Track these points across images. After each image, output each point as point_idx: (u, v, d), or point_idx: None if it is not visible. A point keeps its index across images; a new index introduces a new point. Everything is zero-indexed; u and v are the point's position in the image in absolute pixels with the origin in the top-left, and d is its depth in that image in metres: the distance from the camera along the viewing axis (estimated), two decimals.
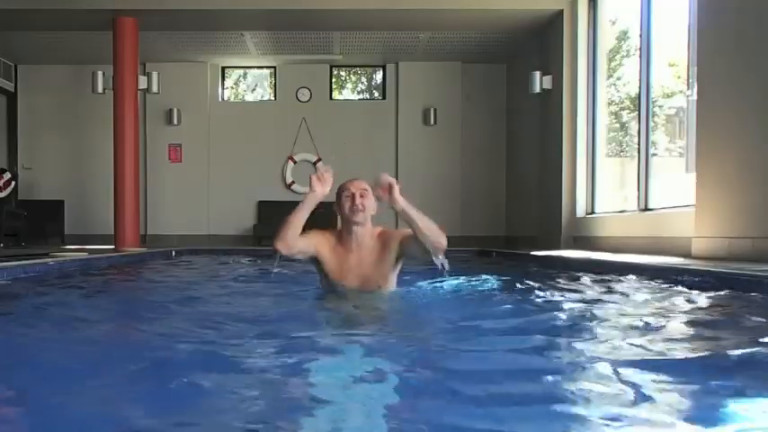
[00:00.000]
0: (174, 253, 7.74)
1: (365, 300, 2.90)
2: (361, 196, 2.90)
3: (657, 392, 1.45)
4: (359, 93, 12.26)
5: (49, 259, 5.11)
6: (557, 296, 3.26)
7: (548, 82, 8.86)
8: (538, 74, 8.91)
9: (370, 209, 2.94)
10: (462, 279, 3.91)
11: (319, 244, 2.98)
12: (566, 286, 3.75)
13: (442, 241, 2.75)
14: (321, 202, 2.87)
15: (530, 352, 1.93)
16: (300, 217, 2.83)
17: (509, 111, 11.24)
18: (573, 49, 8.37)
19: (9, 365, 1.77)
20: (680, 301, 3.02)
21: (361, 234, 2.96)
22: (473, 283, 3.86)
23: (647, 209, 6.68)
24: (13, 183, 10.00)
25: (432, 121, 11.18)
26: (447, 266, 2.80)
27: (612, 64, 8.66)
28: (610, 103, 8.61)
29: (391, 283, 3.05)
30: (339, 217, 3.00)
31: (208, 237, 11.21)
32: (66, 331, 2.37)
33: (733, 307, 2.77)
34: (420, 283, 3.53)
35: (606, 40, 8.43)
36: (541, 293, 3.32)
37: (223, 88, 11.71)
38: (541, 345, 2.03)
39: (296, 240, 2.83)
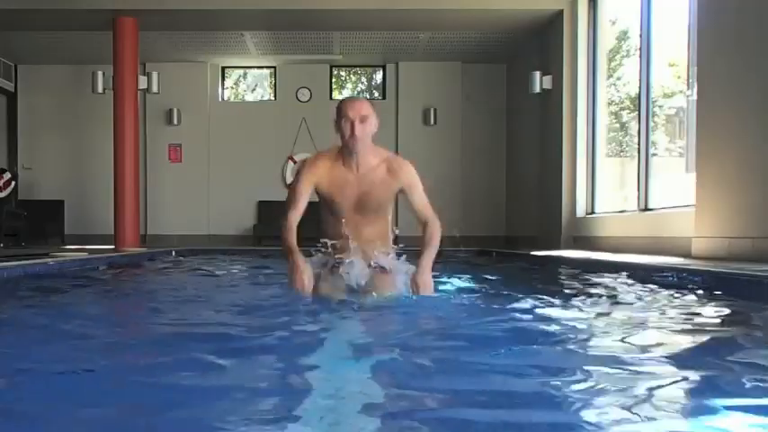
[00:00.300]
0: (174, 253, 7.74)
1: (365, 302, 2.88)
2: (361, 122, 2.86)
3: (657, 394, 1.45)
4: (359, 93, 12.26)
5: (49, 259, 5.10)
6: (556, 297, 3.25)
7: (548, 82, 8.86)
8: (538, 74, 8.91)
9: (371, 132, 2.91)
10: (461, 280, 3.91)
11: (315, 176, 2.96)
12: (565, 287, 3.75)
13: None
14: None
15: (527, 353, 1.93)
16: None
17: (509, 111, 11.24)
18: (573, 49, 8.37)
19: (8, 366, 1.77)
20: (680, 302, 3.02)
21: (362, 155, 2.93)
22: (472, 283, 3.86)
23: (647, 209, 6.68)
24: (13, 183, 10.01)
25: (432, 121, 11.18)
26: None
27: (612, 64, 8.66)
28: (610, 103, 8.61)
29: (389, 214, 3.04)
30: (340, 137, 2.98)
31: (208, 237, 11.21)
32: (63, 332, 2.37)
33: (733, 307, 2.76)
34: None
35: (606, 40, 8.42)
36: (540, 295, 3.32)
37: (223, 88, 11.71)
38: (540, 346, 2.03)
39: (297, 221, 2.90)
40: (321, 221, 3.08)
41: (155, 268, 5.97)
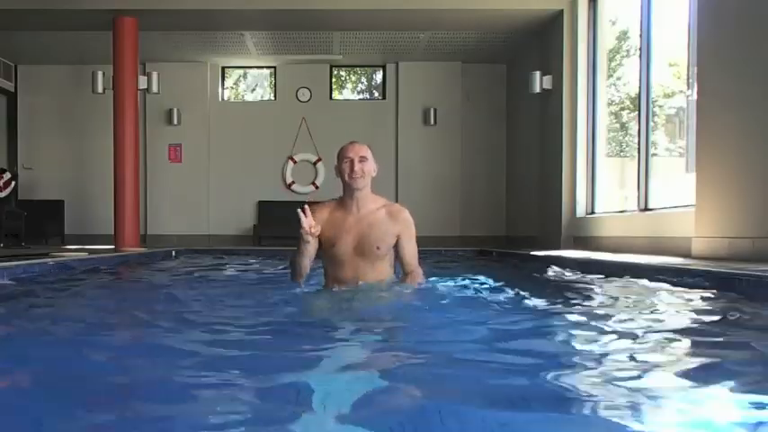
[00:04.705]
0: (174, 253, 7.74)
1: (364, 299, 2.88)
2: (360, 161, 2.93)
3: (657, 392, 1.45)
4: (359, 93, 12.26)
5: (49, 259, 5.10)
6: (555, 297, 3.25)
7: (548, 82, 8.86)
8: (538, 74, 8.91)
9: (370, 173, 2.98)
10: (459, 280, 3.91)
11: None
12: (565, 287, 3.75)
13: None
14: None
15: (526, 354, 1.93)
16: (302, 258, 3.02)
17: (509, 111, 11.24)
18: (573, 49, 8.36)
19: (7, 367, 1.77)
20: (680, 302, 3.02)
21: (362, 198, 3.00)
22: (470, 283, 3.86)
23: (647, 209, 6.68)
24: (13, 183, 10.00)
25: (432, 121, 11.18)
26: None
27: (612, 64, 8.66)
28: (610, 103, 8.61)
29: (389, 254, 3.05)
30: (341, 181, 3.05)
31: (208, 237, 11.21)
32: (62, 332, 2.37)
33: (733, 307, 2.76)
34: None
35: (606, 40, 8.42)
36: (539, 295, 3.32)
37: (223, 88, 11.71)
38: (539, 347, 2.03)
39: (308, 268, 3.06)
40: (324, 271, 3.18)
41: (154, 268, 5.96)
